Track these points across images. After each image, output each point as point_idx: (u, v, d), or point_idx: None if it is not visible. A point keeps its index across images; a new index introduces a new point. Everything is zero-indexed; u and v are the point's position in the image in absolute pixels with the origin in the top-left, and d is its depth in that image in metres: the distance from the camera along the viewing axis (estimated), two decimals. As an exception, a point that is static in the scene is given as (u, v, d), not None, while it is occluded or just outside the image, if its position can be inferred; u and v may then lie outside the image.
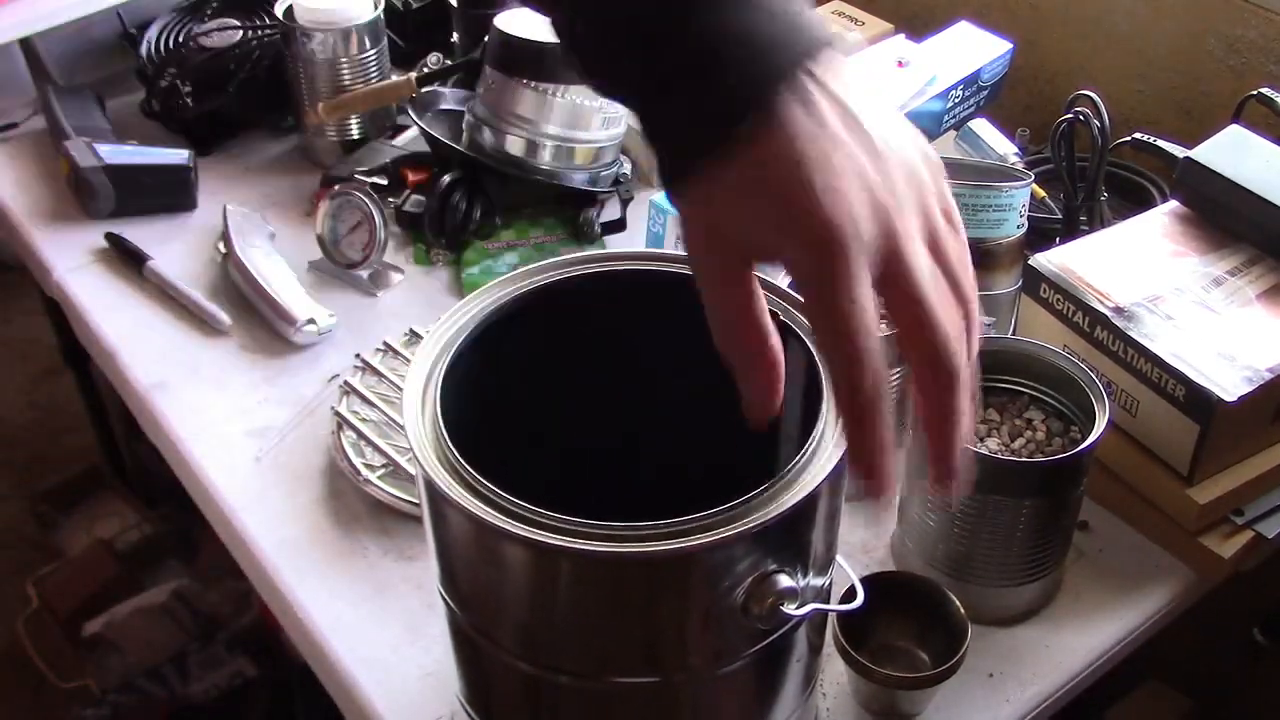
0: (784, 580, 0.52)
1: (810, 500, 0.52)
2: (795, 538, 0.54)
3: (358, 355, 0.96)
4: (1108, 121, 0.99)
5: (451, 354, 0.58)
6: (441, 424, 0.54)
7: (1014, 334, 0.93)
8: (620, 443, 0.69)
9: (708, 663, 0.56)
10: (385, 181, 1.13)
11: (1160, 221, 0.92)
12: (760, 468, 0.53)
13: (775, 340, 0.45)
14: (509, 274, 0.62)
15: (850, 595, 0.60)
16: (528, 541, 0.50)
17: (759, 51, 0.40)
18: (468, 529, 0.54)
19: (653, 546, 0.49)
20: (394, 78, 1.19)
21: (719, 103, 0.40)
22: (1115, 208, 1.05)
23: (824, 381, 0.56)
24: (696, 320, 0.57)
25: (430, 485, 0.52)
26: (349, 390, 0.92)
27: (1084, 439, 0.75)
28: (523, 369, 0.63)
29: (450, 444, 0.53)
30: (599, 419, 0.68)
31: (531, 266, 0.62)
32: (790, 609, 0.53)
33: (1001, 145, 1.11)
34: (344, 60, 1.16)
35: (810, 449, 0.53)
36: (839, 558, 0.63)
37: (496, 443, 0.57)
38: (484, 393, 0.60)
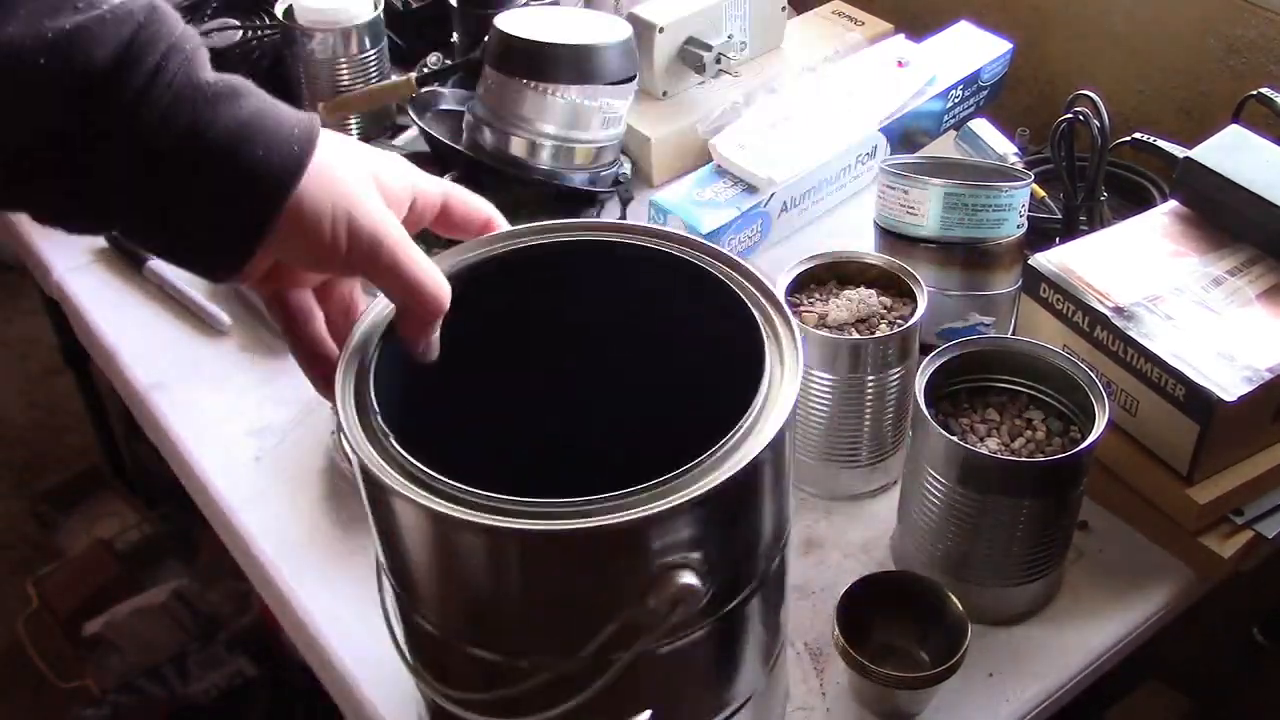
0: (685, 577, 0.51)
1: (713, 493, 0.50)
2: (708, 527, 0.52)
3: None
4: (1107, 121, 0.99)
5: (384, 329, 0.57)
6: (374, 400, 0.54)
7: (1014, 334, 0.93)
8: (569, 423, 0.68)
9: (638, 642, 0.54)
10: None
11: (1160, 221, 0.92)
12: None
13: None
14: (451, 249, 0.62)
15: None
16: (437, 516, 0.49)
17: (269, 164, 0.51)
18: (402, 510, 0.53)
19: (547, 524, 0.48)
20: (394, 78, 1.19)
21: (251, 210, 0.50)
22: (1115, 208, 1.05)
23: (768, 360, 0.55)
24: (640, 290, 0.57)
25: (364, 470, 0.52)
26: None
27: (1084, 439, 0.75)
28: (466, 343, 0.61)
29: (381, 421, 0.53)
30: (545, 394, 0.67)
31: (470, 241, 0.62)
32: (696, 607, 0.52)
33: (1001, 145, 1.11)
34: (344, 60, 1.16)
35: (733, 437, 0.52)
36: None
37: (439, 423, 0.56)
38: (424, 373, 0.59)
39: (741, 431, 0.52)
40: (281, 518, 0.88)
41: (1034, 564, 0.78)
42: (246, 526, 0.88)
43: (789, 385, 0.54)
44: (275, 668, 1.62)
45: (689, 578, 0.51)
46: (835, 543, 0.86)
